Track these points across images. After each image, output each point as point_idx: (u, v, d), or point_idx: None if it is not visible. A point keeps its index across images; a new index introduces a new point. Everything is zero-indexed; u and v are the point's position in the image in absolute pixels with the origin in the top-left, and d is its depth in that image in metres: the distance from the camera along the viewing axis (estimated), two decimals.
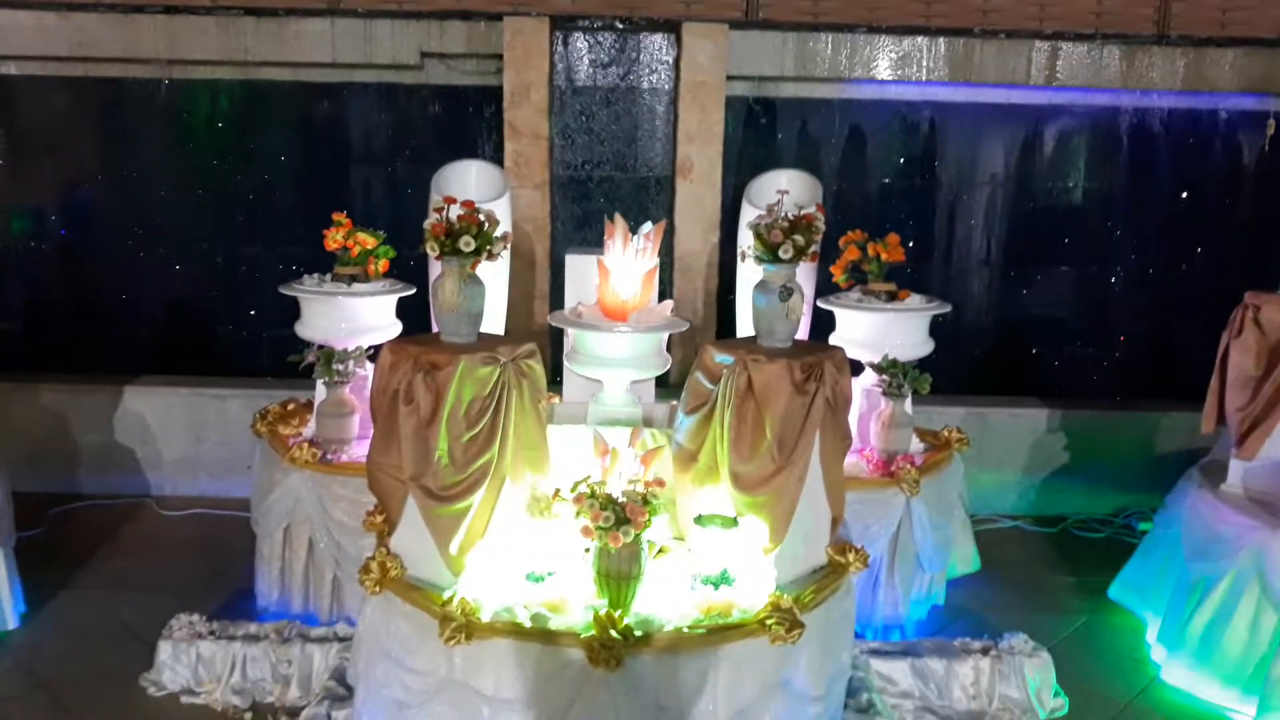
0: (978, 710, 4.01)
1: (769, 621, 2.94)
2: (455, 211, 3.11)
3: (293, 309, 4.49)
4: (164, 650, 3.99)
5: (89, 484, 5.83)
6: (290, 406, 4.71)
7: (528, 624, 2.90)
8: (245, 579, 4.54)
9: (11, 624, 4.35)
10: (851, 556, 3.29)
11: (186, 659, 3.97)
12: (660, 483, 3.09)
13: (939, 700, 4.03)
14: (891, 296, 4.47)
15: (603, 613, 2.88)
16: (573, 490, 3.02)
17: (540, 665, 2.86)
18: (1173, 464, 5.61)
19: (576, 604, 2.99)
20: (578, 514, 2.97)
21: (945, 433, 4.66)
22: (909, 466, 4.29)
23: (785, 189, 3.49)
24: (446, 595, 2.99)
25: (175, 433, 5.90)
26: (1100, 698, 4.17)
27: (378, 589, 3.11)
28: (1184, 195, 6.34)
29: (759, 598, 3.02)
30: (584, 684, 2.85)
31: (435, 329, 3.24)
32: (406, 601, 3.04)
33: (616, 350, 3.49)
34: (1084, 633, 4.71)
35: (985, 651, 4.11)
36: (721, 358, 3.18)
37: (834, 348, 3.27)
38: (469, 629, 2.87)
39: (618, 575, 2.94)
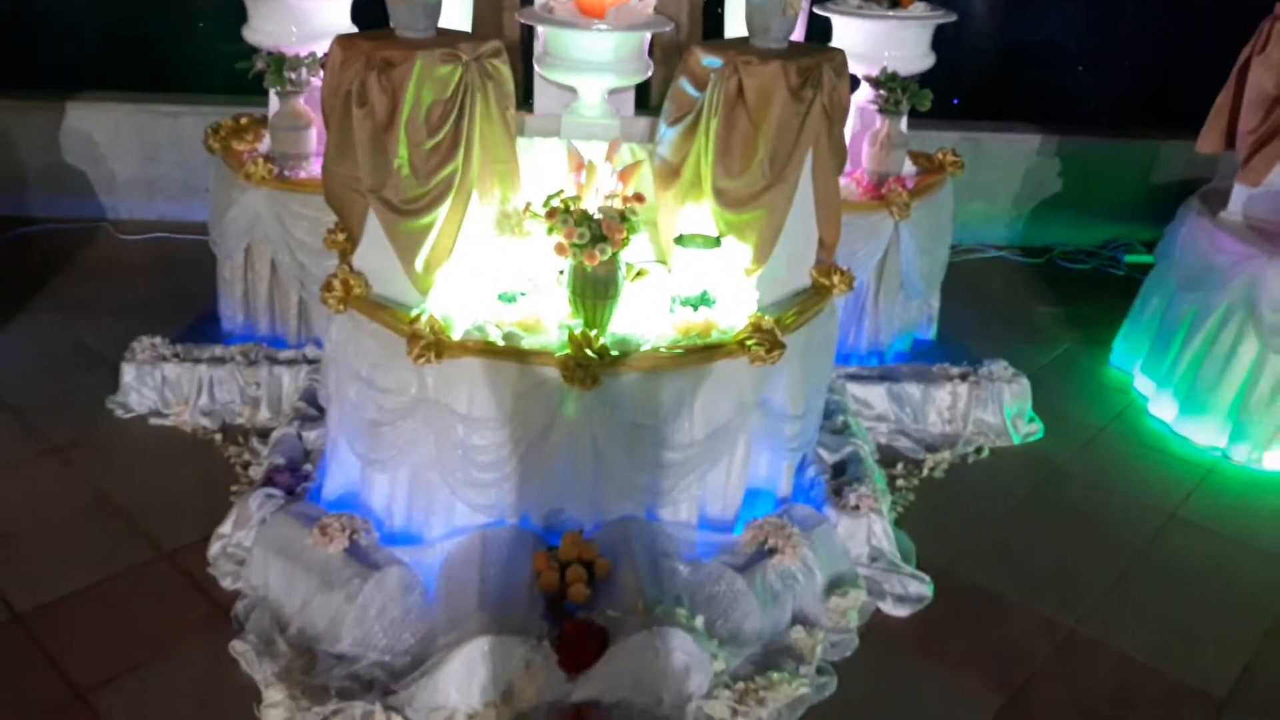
0: (952, 434, 4.02)
1: (749, 342, 2.83)
2: None
3: (242, 14, 4.08)
4: (128, 373, 3.89)
5: (40, 207, 5.56)
6: (244, 120, 4.39)
7: (500, 343, 2.77)
8: (209, 303, 4.40)
9: None
10: (836, 279, 3.15)
11: (152, 381, 3.89)
12: (640, 198, 2.88)
13: (914, 424, 4.03)
14: (894, 3, 4.10)
15: (578, 331, 2.75)
16: (545, 205, 2.81)
17: (514, 384, 2.76)
18: (1167, 195, 5.47)
19: (551, 324, 2.86)
20: (550, 230, 2.78)
21: (939, 155, 4.43)
22: (900, 189, 4.09)
23: None
24: (414, 313, 2.84)
25: (126, 153, 5.57)
26: (1075, 424, 4.20)
27: (341, 307, 2.95)
28: None
29: (739, 319, 2.90)
30: (558, 405, 2.76)
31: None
32: (373, 320, 2.90)
33: (593, 51, 3.17)
34: (1063, 361, 4.70)
35: (963, 377, 4.09)
36: (709, 60, 2.89)
37: (833, 50, 2.98)
38: (438, 347, 2.75)
39: (594, 294, 2.79)
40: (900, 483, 3.72)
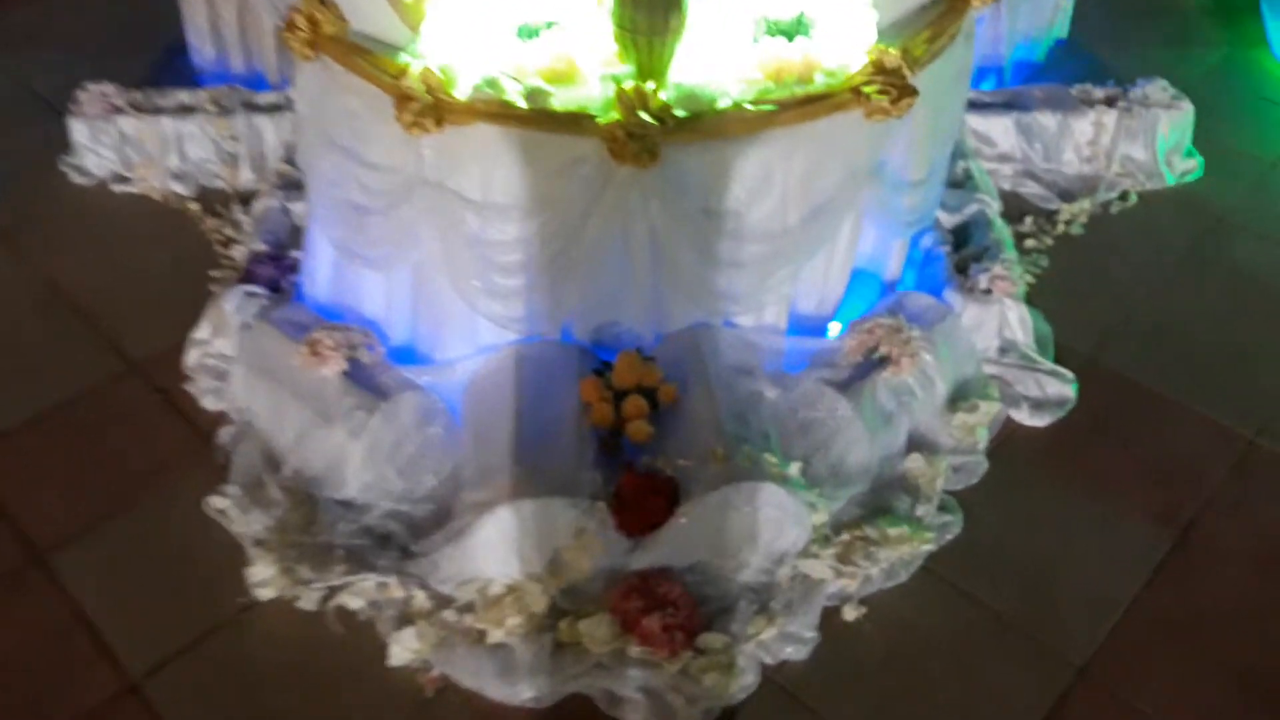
0: (1091, 176, 3.24)
1: (868, 89, 2.04)
2: None
3: None
4: (78, 129, 3.17)
5: None
6: None
7: (521, 103, 2.01)
8: (178, 33, 3.58)
9: None
10: None
11: (108, 139, 3.17)
12: None
13: (1045, 163, 3.25)
14: None
15: (628, 85, 1.98)
16: None
17: (542, 162, 2.04)
18: None
19: (590, 71, 2.08)
20: None
21: None
22: None
23: None
24: (404, 60, 2.08)
25: None
26: (1239, 156, 3.37)
27: (310, 52, 2.19)
28: None
29: (852, 54, 2.09)
30: (605, 186, 2.04)
31: None
32: (352, 71, 2.14)
33: None
34: (1221, 71, 3.77)
35: (1110, 102, 3.24)
36: None
37: None
38: (437, 111, 2.00)
39: (648, 26, 1.98)
40: (1030, 243, 3.00)
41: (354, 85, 2.15)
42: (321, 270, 2.46)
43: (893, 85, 2.04)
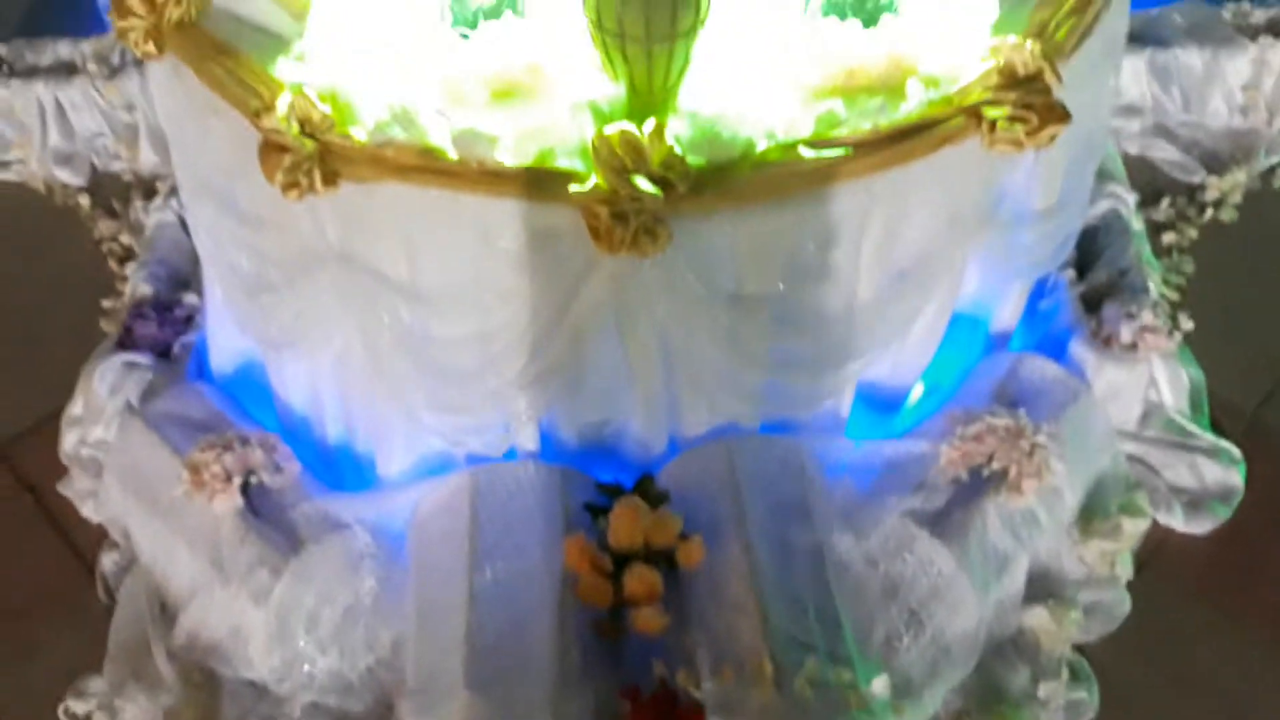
0: (1243, 132, 2.46)
1: (992, 112, 1.30)
2: None
3: None
4: None
5: None
6: None
7: (451, 153, 1.29)
8: None
9: None
10: None
11: None
12: None
13: (1184, 114, 2.47)
14: None
15: (616, 131, 1.25)
16: None
17: (490, 236, 1.34)
18: None
19: (556, 82, 1.35)
20: None
21: None
22: None
23: None
24: (281, 73, 1.37)
25: None
26: None
27: (153, 48, 1.48)
28: None
29: (963, 47, 1.35)
30: (589, 272, 1.34)
31: None
32: (211, 87, 1.42)
33: None
34: None
35: (1276, 29, 2.44)
36: None
37: None
38: (325, 166, 1.30)
39: (646, 32, 1.25)
40: (1168, 239, 2.26)
41: (217, 106, 1.45)
42: (224, 337, 1.79)
43: (1030, 105, 1.30)
